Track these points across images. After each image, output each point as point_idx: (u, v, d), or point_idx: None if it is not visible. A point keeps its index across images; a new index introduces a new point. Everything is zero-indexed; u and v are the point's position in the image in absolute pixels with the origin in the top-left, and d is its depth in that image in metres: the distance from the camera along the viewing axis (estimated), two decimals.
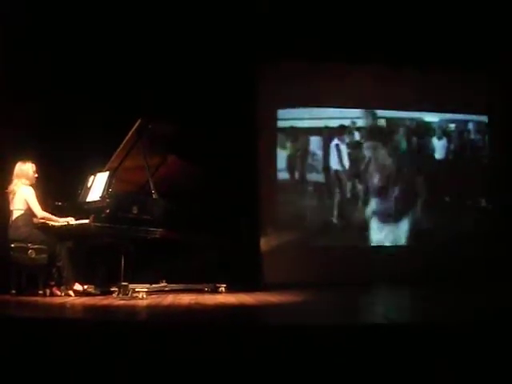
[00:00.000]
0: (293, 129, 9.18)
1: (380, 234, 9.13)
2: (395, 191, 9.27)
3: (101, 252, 6.66)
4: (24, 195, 6.27)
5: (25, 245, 6.15)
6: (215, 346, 3.33)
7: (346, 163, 9.29)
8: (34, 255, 6.14)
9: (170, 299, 5.91)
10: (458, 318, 4.21)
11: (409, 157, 9.45)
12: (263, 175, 8.86)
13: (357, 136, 9.34)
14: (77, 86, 7.79)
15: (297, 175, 9.18)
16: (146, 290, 6.08)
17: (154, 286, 6.47)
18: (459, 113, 9.48)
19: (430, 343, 3.34)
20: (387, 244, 9.13)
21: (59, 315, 4.58)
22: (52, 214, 6.43)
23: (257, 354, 3.27)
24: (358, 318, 4.64)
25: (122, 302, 5.60)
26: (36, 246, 6.17)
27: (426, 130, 9.52)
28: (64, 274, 6.23)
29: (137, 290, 6.00)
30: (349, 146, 9.30)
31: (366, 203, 9.23)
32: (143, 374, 3.25)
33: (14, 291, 6.05)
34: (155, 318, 4.52)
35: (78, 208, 6.44)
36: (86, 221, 6.04)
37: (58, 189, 6.93)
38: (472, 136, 9.61)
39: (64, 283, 6.25)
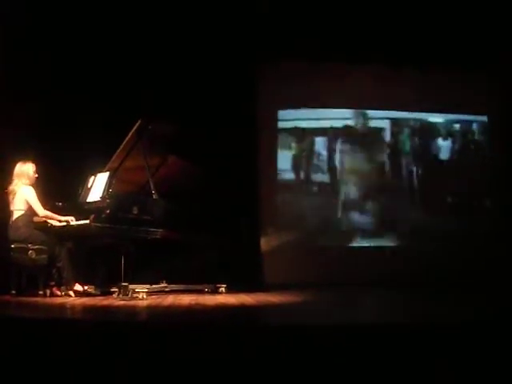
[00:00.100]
0: (297, 129, 9.18)
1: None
2: (378, 202, 9.27)
3: (101, 252, 6.65)
4: (24, 195, 6.27)
5: (25, 245, 6.15)
6: (215, 347, 3.33)
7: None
8: (34, 256, 6.14)
9: (170, 300, 5.90)
10: (457, 318, 4.21)
11: (412, 157, 9.44)
12: (263, 175, 8.85)
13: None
14: (77, 86, 7.79)
15: (302, 175, 9.18)
16: (146, 290, 6.08)
17: (154, 286, 6.49)
18: (459, 113, 9.46)
19: (430, 343, 3.34)
20: (388, 244, 9.12)
21: (59, 316, 4.57)
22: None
23: (257, 355, 3.27)
24: (359, 318, 4.64)
25: (122, 302, 5.60)
26: (36, 247, 6.17)
27: (430, 131, 9.50)
28: (64, 275, 6.23)
29: (137, 290, 6.00)
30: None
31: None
32: (143, 375, 3.24)
33: (14, 292, 6.06)
34: (155, 319, 4.52)
35: (79, 208, 6.43)
36: (87, 221, 6.04)
37: (58, 189, 6.93)
38: (476, 136, 9.61)
39: (64, 284, 6.25)
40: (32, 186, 6.37)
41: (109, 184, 6.29)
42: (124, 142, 6.49)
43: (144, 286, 6.16)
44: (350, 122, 9.29)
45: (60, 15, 7.76)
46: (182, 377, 3.23)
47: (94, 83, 7.86)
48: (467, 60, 8.78)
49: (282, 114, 9.18)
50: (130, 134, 6.43)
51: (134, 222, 6.17)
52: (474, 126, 9.59)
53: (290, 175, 9.16)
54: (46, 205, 6.42)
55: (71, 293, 6.21)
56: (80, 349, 3.37)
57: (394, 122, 9.41)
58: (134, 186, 6.87)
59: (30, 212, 6.29)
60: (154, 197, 6.41)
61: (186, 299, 5.94)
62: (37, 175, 6.46)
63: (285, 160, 9.14)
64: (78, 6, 7.76)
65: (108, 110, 7.73)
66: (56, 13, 7.73)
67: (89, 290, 6.35)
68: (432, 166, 9.48)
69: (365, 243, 9.11)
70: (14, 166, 6.44)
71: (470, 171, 9.37)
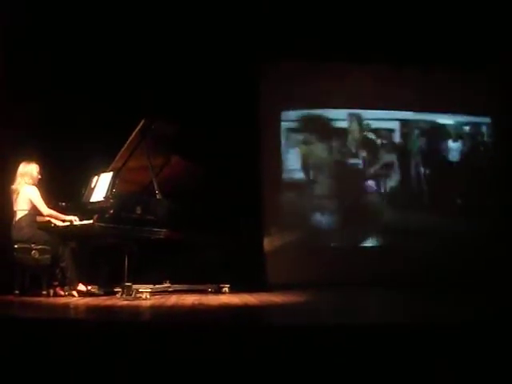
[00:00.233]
0: (307, 128, 9.24)
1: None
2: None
3: (104, 252, 6.64)
4: (28, 194, 6.25)
5: (28, 245, 6.13)
6: (219, 347, 3.31)
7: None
8: (37, 256, 6.13)
9: (173, 300, 5.88)
10: (457, 318, 4.21)
11: (420, 158, 9.46)
12: (266, 175, 8.84)
13: (372, 136, 9.37)
14: (77, 85, 7.78)
15: (311, 175, 9.22)
16: (149, 290, 6.07)
17: (157, 286, 6.47)
18: (459, 113, 9.49)
19: (430, 343, 3.33)
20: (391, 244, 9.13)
21: (62, 316, 4.55)
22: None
23: (261, 355, 3.26)
24: (359, 318, 4.63)
25: (126, 302, 5.58)
26: (39, 247, 6.15)
27: (439, 133, 9.53)
28: (67, 275, 6.22)
29: (140, 290, 5.99)
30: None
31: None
32: (147, 375, 3.23)
33: (17, 291, 6.03)
34: (159, 319, 4.49)
35: (82, 208, 6.42)
36: (90, 221, 6.03)
37: (59, 189, 6.90)
38: (485, 138, 9.63)
39: (67, 284, 6.25)
40: (35, 186, 6.34)
41: (112, 184, 6.29)
42: (127, 142, 6.47)
43: (147, 286, 6.15)
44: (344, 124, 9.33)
45: (60, 15, 7.75)
46: (185, 377, 3.21)
47: (93, 83, 7.85)
48: (467, 60, 8.81)
49: (290, 114, 9.21)
50: (134, 133, 6.42)
51: (138, 221, 6.16)
52: (484, 128, 9.61)
53: (299, 175, 9.18)
54: (49, 204, 6.40)
55: (74, 293, 6.21)
56: (83, 349, 3.35)
57: (404, 123, 9.43)
58: (138, 186, 6.85)
59: (34, 212, 6.27)
60: (158, 197, 6.41)
61: (190, 299, 5.92)
62: (40, 176, 6.44)
63: (294, 159, 9.18)
64: (78, 6, 7.74)
65: (108, 110, 7.70)
66: (56, 13, 7.71)
67: (92, 290, 6.34)
68: (441, 167, 9.50)
69: (368, 243, 9.15)
70: (14, 166, 6.43)
71: (478, 173, 9.39)
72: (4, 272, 6.19)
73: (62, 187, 6.98)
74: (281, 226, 8.91)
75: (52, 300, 5.85)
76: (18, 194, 6.27)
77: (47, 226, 6.34)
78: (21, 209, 6.24)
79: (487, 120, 9.57)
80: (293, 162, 9.15)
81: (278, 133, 9.13)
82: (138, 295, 5.93)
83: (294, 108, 9.18)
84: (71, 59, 7.90)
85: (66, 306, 5.23)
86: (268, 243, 8.70)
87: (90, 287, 6.34)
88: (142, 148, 6.47)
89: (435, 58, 8.76)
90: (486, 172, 9.42)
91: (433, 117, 9.49)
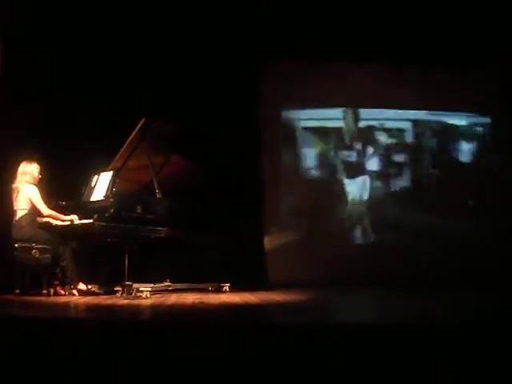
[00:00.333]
0: (321, 128, 9.29)
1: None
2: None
3: (104, 251, 6.64)
4: (28, 194, 6.24)
5: (28, 244, 6.11)
6: (219, 346, 3.31)
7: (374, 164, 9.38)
8: (37, 255, 6.11)
9: (173, 298, 5.88)
10: (457, 318, 4.21)
11: (432, 159, 9.48)
12: (267, 174, 8.85)
13: (384, 137, 9.39)
14: (77, 85, 7.77)
15: (326, 173, 9.29)
16: (149, 289, 6.05)
17: (157, 285, 6.45)
18: (459, 113, 9.51)
19: (430, 343, 3.33)
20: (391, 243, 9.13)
21: (63, 315, 4.55)
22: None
23: (261, 353, 3.25)
24: (359, 317, 4.63)
25: (126, 301, 5.58)
26: (40, 246, 6.13)
27: (451, 133, 9.54)
28: (68, 274, 6.21)
29: (140, 289, 5.98)
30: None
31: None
32: (147, 374, 3.22)
33: (17, 291, 6.01)
34: (159, 318, 4.49)
35: (82, 207, 6.41)
36: (90, 220, 6.02)
37: (59, 189, 6.90)
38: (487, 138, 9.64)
39: (68, 283, 6.24)
40: (35, 185, 6.34)
41: (112, 183, 6.29)
42: (127, 141, 6.48)
43: (148, 284, 6.13)
44: (374, 123, 9.39)
45: (60, 15, 7.74)
46: (186, 376, 3.20)
47: (93, 83, 7.84)
48: (467, 60, 8.80)
49: (303, 113, 9.27)
50: (134, 132, 6.42)
51: (138, 220, 6.16)
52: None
53: (315, 173, 9.25)
54: (49, 204, 6.40)
55: (75, 292, 6.20)
56: (83, 348, 3.34)
57: (415, 123, 9.45)
58: (138, 185, 6.86)
59: (34, 211, 6.25)
60: (158, 196, 6.42)
61: (190, 298, 5.91)
62: (40, 176, 6.43)
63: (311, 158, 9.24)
64: (78, 6, 7.74)
65: (108, 109, 7.70)
66: (56, 13, 7.70)
67: (92, 289, 6.36)
68: (452, 168, 9.50)
69: (368, 242, 9.16)
70: (14, 166, 6.41)
71: (489, 174, 9.38)
72: (4, 271, 6.15)
73: (62, 187, 6.97)
74: (281, 224, 8.94)
75: (52, 299, 5.83)
76: (18, 192, 6.26)
77: (47, 226, 6.32)
78: (21, 208, 6.23)
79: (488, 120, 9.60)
80: (309, 161, 9.20)
81: (278, 132, 9.15)
82: (139, 294, 5.92)
83: (295, 107, 9.19)
84: (71, 59, 7.90)
85: (66, 306, 5.22)
86: (269, 242, 8.71)
87: (90, 286, 6.35)
88: (143, 147, 6.48)
89: (435, 57, 8.75)
90: (497, 173, 9.38)
91: (443, 117, 9.51)
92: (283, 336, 3.37)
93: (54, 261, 6.19)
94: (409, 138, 9.46)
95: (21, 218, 6.22)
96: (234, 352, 3.27)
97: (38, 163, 6.46)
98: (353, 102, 9.24)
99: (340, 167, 9.27)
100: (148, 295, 5.93)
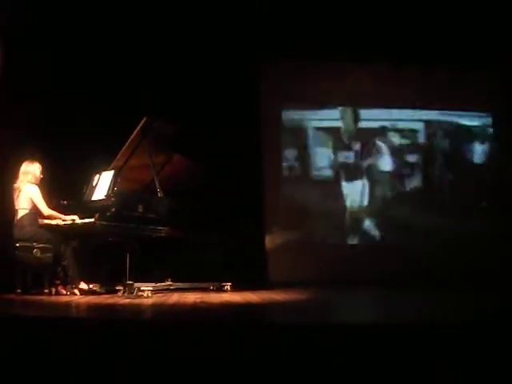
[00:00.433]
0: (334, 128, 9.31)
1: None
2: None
3: (106, 251, 6.62)
4: (29, 193, 6.23)
5: (30, 244, 6.10)
6: (221, 345, 3.30)
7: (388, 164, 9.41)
8: (39, 254, 6.10)
9: (175, 298, 5.87)
10: (457, 318, 4.20)
11: (444, 160, 9.48)
12: (268, 173, 8.86)
13: (396, 138, 9.40)
14: (77, 85, 7.78)
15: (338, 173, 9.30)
16: (151, 288, 6.03)
17: (159, 284, 6.46)
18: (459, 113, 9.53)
19: (430, 343, 3.32)
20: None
21: (64, 314, 4.52)
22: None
23: (263, 353, 3.25)
24: (359, 317, 4.62)
25: (128, 300, 5.55)
26: (41, 245, 6.11)
27: (464, 134, 9.55)
28: (69, 273, 6.19)
29: (142, 288, 5.96)
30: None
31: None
32: (148, 373, 3.22)
33: (19, 290, 6.00)
34: (160, 317, 4.47)
35: (84, 207, 6.40)
36: (92, 219, 6.01)
37: (60, 189, 6.89)
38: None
39: (69, 282, 6.21)
40: (37, 185, 6.33)
41: (114, 182, 6.28)
42: (129, 141, 6.47)
43: (149, 284, 6.11)
44: (386, 124, 9.42)
45: (60, 15, 7.74)
46: (187, 375, 3.20)
47: (93, 83, 7.85)
48: (467, 60, 8.82)
49: (316, 113, 9.30)
50: (135, 132, 6.42)
51: (139, 220, 6.15)
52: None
53: (328, 172, 9.27)
54: (50, 203, 6.39)
55: (76, 291, 6.17)
56: (85, 347, 3.33)
57: (427, 124, 9.45)
58: (139, 185, 6.86)
59: (35, 211, 6.24)
60: (159, 195, 6.41)
61: (191, 297, 5.89)
62: (42, 176, 6.43)
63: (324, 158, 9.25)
64: (78, 6, 7.74)
65: (108, 109, 7.71)
66: (56, 13, 7.70)
67: (94, 289, 6.33)
68: (465, 169, 9.51)
69: (369, 242, 9.16)
70: (15, 166, 6.41)
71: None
72: (6, 271, 6.14)
73: (63, 187, 6.97)
74: (282, 224, 8.93)
75: (54, 298, 5.81)
76: (20, 192, 6.25)
77: (49, 225, 6.31)
78: (22, 207, 6.21)
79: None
80: (322, 161, 9.22)
81: (279, 131, 9.15)
82: (140, 293, 5.91)
83: (295, 107, 9.20)
84: (71, 59, 7.91)
85: (67, 305, 5.19)
86: (270, 241, 8.71)
87: (91, 285, 6.33)
88: (144, 146, 6.48)
89: (435, 57, 8.77)
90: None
91: (456, 118, 9.50)
92: (284, 335, 3.36)
93: (56, 260, 6.16)
94: (421, 138, 9.48)
95: (22, 217, 6.20)
96: (235, 351, 3.25)
97: (40, 163, 6.45)
98: (353, 101, 9.25)
99: (339, 169, 9.29)
100: (149, 294, 5.91)
